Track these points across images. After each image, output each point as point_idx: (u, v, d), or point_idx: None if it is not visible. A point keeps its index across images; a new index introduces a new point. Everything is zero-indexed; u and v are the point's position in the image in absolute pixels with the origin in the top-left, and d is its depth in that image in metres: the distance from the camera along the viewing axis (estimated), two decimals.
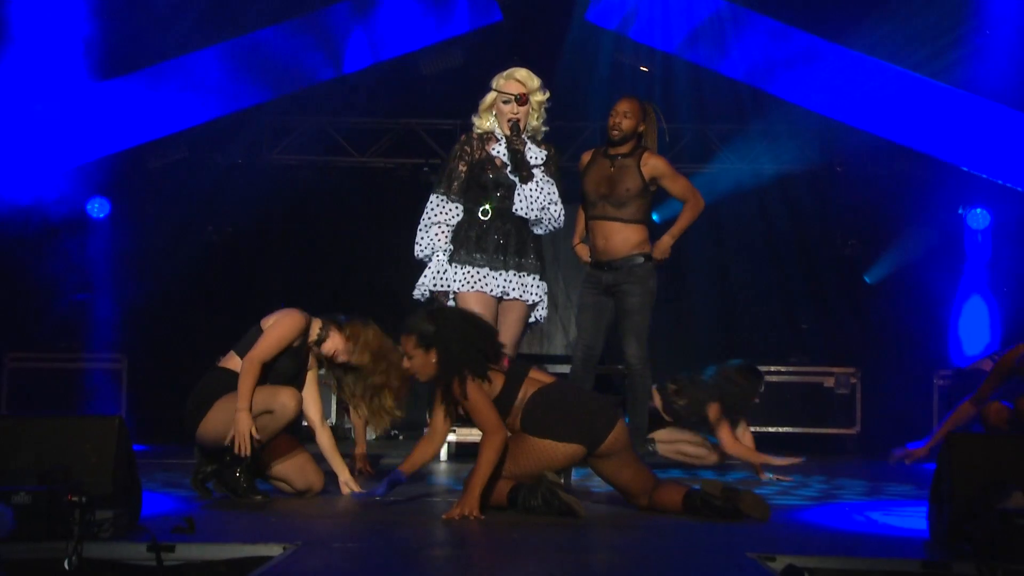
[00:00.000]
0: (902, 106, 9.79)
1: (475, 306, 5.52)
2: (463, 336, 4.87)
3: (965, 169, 10.03)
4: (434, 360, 4.85)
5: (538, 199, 5.68)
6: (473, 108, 5.84)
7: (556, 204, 5.74)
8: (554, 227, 5.80)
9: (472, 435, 7.96)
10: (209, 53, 9.69)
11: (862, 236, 10.98)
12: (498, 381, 4.91)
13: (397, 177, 11.25)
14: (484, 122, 5.79)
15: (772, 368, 10.01)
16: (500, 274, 5.64)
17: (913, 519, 4.80)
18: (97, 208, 10.71)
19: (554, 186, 5.75)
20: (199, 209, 10.82)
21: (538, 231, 5.79)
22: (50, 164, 9.62)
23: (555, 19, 10.22)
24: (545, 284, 5.80)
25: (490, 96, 5.79)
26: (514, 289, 5.66)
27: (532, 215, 5.68)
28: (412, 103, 10.94)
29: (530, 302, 5.73)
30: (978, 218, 10.57)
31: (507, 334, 5.58)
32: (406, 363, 4.93)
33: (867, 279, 10.84)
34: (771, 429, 9.89)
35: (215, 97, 9.92)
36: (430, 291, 5.67)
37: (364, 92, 10.53)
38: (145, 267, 10.54)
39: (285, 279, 11.05)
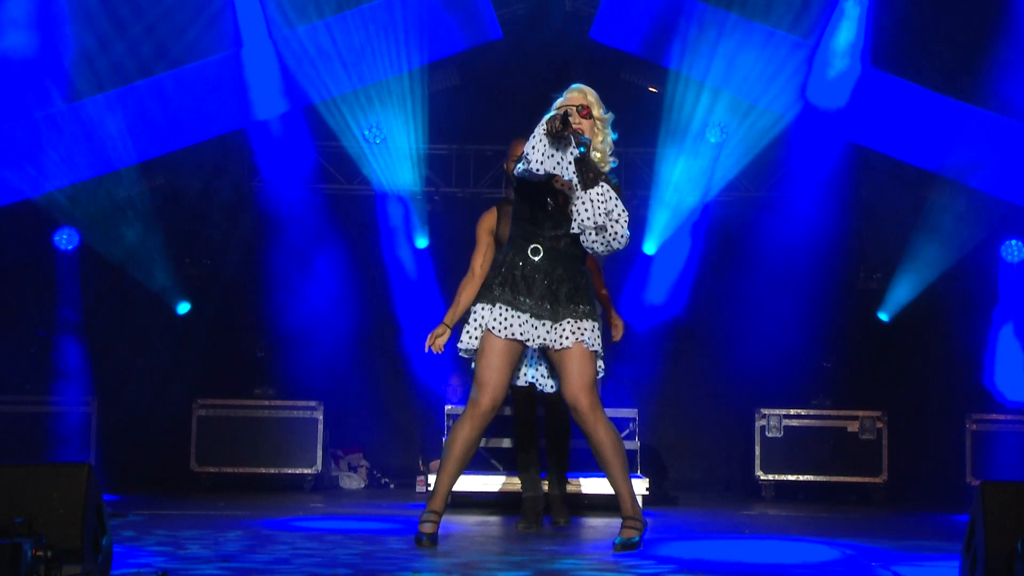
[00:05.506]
0: (929, 130, 9.83)
1: (500, 354, 5.51)
2: None
3: (999, 197, 10.05)
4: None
5: (604, 204, 5.44)
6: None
7: (623, 217, 5.49)
8: (617, 244, 5.51)
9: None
10: (185, 73, 9.74)
11: (887, 269, 10.96)
12: None
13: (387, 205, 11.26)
14: None
15: (792, 411, 10.01)
16: (544, 324, 5.54)
17: (945, 574, 4.80)
18: (65, 240, 10.71)
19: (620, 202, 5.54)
20: (175, 239, 10.84)
21: (598, 247, 5.52)
22: (13, 192, 9.65)
23: (557, 37, 10.26)
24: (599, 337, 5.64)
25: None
26: (567, 338, 5.51)
27: (597, 221, 5.43)
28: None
29: (593, 348, 5.54)
30: (1012, 250, 10.58)
31: (576, 382, 5.51)
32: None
33: (881, 316, 10.79)
34: (790, 477, 9.87)
35: (194, 121, 9.94)
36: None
37: (356, 115, 10.56)
38: (116, 301, 10.53)
39: (266, 314, 11.01)
